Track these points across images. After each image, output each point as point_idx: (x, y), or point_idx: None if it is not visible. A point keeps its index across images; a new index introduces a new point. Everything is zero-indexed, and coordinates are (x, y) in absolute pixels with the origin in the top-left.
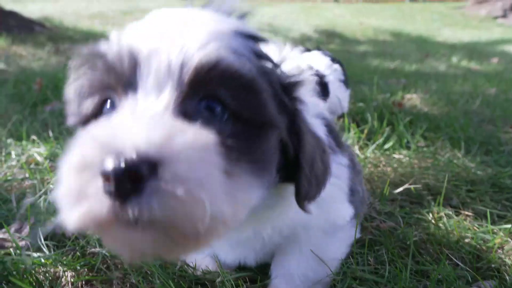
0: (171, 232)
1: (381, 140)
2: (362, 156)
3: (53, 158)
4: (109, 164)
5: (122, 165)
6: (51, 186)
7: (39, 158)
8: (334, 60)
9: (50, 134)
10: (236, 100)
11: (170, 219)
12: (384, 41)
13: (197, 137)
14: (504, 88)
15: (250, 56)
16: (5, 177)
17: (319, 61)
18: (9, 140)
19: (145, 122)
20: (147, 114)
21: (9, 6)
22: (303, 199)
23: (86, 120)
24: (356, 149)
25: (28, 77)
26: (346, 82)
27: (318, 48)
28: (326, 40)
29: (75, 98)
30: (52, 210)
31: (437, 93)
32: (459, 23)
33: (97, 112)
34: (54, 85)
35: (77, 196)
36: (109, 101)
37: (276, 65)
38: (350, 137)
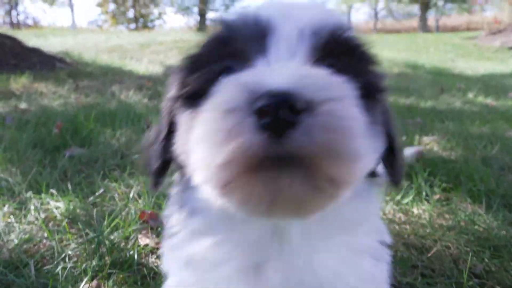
0: (319, 174)
1: (399, 196)
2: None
3: (71, 215)
4: (266, 98)
5: (280, 98)
6: (69, 252)
7: (58, 215)
8: None
9: (69, 186)
10: (356, 69)
11: (325, 154)
12: (399, 73)
13: (343, 84)
14: None
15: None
16: (24, 238)
17: None
18: (29, 194)
19: (293, 66)
20: (289, 66)
21: (32, 41)
22: (397, 181)
23: (196, 91)
24: None
25: (49, 118)
26: None
27: None
28: None
29: (185, 69)
30: (70, 278)
31: (454, 136)
32: (473, 54)
33: (210, 83)
34: (74, 128)
35: (226, 136)
36: (228, 71)
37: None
38: None
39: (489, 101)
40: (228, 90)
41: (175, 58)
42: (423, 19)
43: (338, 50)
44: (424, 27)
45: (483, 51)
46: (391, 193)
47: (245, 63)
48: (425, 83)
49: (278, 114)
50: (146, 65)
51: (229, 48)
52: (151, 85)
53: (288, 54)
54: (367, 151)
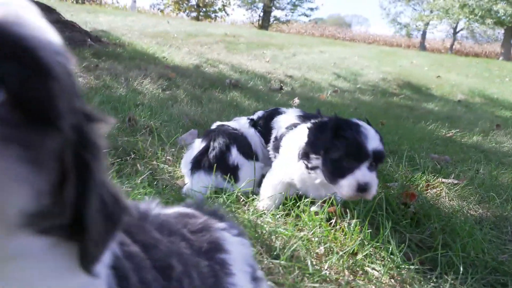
0: None
1: (352, 247)
2: (317, 267)
3: None
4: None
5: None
6: None
7: None
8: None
9: None
10: (22, 80)
11: None
12: (460, 101)
13: None
14: None
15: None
16: None
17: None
18: None
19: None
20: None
21: (80, 17)
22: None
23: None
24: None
25: None
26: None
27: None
28: (390, 92)
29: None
30: None
31: (477, 182)
32: None
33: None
34: None
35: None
36: None
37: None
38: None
39: None
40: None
41: (218, 52)
42: (506, 44)
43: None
44: (507, 54)
45: None
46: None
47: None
48: (484, 115)
49: None
50: (183, 55)
51: None
52: (173, 76)
53: None
54: None
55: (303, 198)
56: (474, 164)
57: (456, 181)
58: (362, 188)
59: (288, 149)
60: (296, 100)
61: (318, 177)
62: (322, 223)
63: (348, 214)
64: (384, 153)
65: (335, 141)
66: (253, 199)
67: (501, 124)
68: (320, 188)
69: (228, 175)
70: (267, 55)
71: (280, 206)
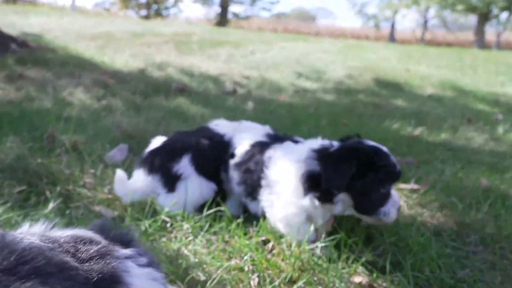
0: None
1: (289, 273)
2: None
3: None
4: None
5: None
6: None
7: None
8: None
9: None
10: None
11: None
12: (431, 95)
13: None
14: None
15: None
16: None
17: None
18: None
19: None
20: None
21: (7, 19)
22: None
23: None
24: None
25: None
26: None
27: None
28: (356, 90)
29: None
30: None
31: (440, 187)
32: None
33: None
34: None
35: None
36: None
37: None
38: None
39: None
40: None
41: (167, 53)
42: (479, 32)
43: None
44: (481, 42)
45: None
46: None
47: None
48: (454, 109)
49: None
50: (126, 58)
51: None
52: (113, 83)
53: None
54: None
55: (234, 221)
56: (440, 165)
57: (416, 187)
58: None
59: (287, 184)
60: (250, 104)
61: (338, 208)
62: (256, 248)
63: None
64: None
65: (365, 171)
66: (181, 224)
67: (472, 118)
68: (328, 215)
69: (166, 182)
70: (222, 55)
71: (208, 229)
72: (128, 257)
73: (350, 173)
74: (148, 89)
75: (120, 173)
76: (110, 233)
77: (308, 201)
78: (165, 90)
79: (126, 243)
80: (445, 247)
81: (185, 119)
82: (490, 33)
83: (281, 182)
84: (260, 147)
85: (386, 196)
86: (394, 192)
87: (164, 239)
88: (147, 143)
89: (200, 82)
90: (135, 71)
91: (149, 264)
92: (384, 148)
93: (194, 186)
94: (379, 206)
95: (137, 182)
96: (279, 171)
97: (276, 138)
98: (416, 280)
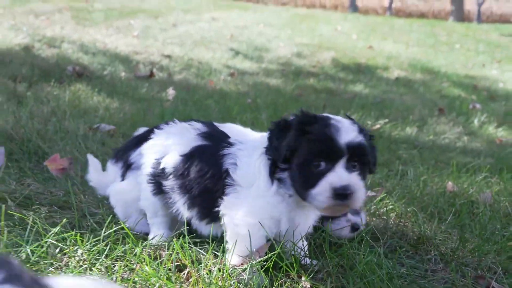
0: None
1: None
2: None
3: None
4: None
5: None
6: None
7: None
8: None
9: None
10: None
11: None
12: (398, 79)
13: None
14: None
15: None
16: None
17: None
18: None
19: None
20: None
21: None
22: None
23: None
24: None
25: None
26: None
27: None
28: (306, 72)
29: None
30: None
31: (398, 194)
32: None
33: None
34: None
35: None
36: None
37: None
38: None
39: (502, 134)
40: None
41: (62, 25)
42: (457, 1)
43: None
44: (459, 13)
45: None
46: None
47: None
48: (424, 97)
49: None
50: (5, 32)
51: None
52: None
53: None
54: None
55: (140, 242)
56: (401, 166)
57: (370, 194)
58: (340, 194)
59: (252, 175)
60: (171, 91)
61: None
62: (168, 276)
63: (208, 259)
64: (365, 146)
65: (300, 141)
66: (74, 248)
67: (445, 107)
68: (308, 214)
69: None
70: (135, 27)
71: (109, 253)
72: None
73: (289, 141)
74: (34, 73)
75: (92, 159)
76: None
77: (275, 188)
78: (58, 74)
79: None
80: (399, 266)
81: (84, 112)
82: (470, 1)
83: (250, 180)
84: (210, 155)
85: (316, 176)
86: (342, 175)
87: (52, 268)
88: (33, 146)
89: (104, 64)
90: (16, 48)
91: (6, 280)
92: (337, 118)
93: None
94: (307, 187)
95: (107, 174)
96: (246, 170)
97: (217, 138)
98: None
